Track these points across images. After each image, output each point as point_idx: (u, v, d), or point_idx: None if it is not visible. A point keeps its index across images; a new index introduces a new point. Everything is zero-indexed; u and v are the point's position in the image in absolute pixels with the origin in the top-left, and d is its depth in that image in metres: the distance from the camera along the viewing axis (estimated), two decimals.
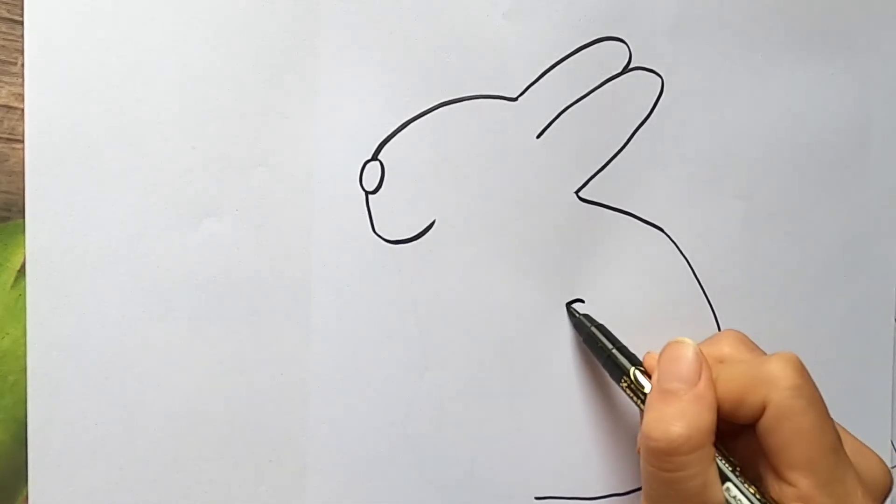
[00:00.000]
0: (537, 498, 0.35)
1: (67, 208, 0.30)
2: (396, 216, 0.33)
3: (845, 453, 0.29)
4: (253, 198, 0.31)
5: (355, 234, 0.33)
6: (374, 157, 0.33)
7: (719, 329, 0.38)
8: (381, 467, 0.33)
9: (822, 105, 0.39)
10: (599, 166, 0.35)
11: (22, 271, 0.29)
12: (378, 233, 0.33)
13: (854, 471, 0.29)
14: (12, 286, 0.30)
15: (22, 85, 0.29)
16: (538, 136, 0.34)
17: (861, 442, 0.32)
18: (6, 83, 0.29)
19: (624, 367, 0.33)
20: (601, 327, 0.34)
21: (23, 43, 0.29)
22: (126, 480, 0.31)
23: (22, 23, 0.29)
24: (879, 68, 0.40)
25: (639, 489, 0.37)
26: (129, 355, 0.30)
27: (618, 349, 0.34)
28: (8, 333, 0.29)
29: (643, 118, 0.36)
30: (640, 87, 0.36)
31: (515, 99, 0.34)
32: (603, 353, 0.34)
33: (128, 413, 0.30)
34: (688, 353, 0.31)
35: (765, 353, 0.34)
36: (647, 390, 0.32)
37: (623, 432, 0.37)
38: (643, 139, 0.36)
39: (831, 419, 0.30)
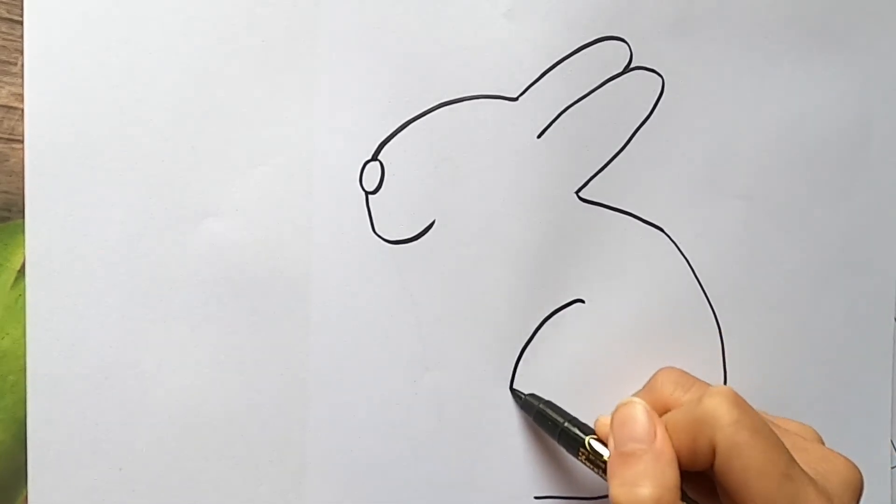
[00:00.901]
0: (537, 498, 0.35)
1: (67, 208, 0.30)
2: (396, 216, 0.33)
3: (800, 472, 0.29)
4: (253, 198, 0.31)
5: (355, 234, 0.33)
6: (374, 158, 0.33)
7: (720, 329, 0.38)
8: (381, 467, 0.33)
9: (822, 105, 0.39)
10: (599, 166, 0.35)
11: (22, 271, 0.29)
12: (378, 233, 0.33)
13: (814, 487, 0.29)
14: (12, 286, 0.30)
15: (22, 85, 0.29)
16: (538, 136, 0.34)
17: (825, 447, 0.32)
18: (6, 83, 0.29)
19: (579, 438, 0.32)
20: (549, 403, 0.34)
21: (23, 43, 0.29)
22: (126, 480, 0.31)
23: (22, 23, 0.29)
24: (879, 68, 0.40)
25: None
26: (129, 355, 0.30)
27: (569, 422, 0.33)
28: (8, 333, 0.29)
29: (643, 118, 0.36)
30: (640, 87, 0.36)
31: (515, 99, 0.34)
32: (555, 429, 0.33)
33: (128, 413, 0.31)
34: (638, 412, 0.31)
35: (704, 383, 0.34)
36: (606, 457, 0.31)
37: None
38: (643, 139, 0.36)
39: (779, 441, 0.29)
